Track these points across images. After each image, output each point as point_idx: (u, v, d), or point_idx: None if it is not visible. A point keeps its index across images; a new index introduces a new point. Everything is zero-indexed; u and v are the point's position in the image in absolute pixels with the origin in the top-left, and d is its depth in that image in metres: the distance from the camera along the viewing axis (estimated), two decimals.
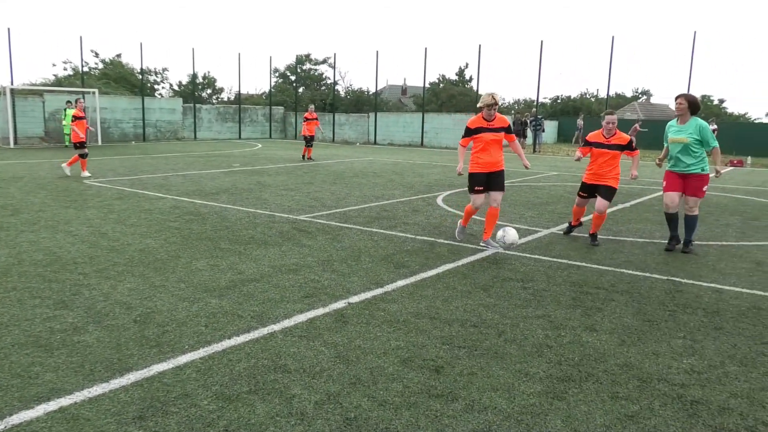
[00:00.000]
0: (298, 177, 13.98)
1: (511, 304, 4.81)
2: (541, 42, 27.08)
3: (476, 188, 6.70)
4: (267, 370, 3.51)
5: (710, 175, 6.76)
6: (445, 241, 7.08)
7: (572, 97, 54.77)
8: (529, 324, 4.37)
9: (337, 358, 3.69)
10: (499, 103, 6.56)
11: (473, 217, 7.53)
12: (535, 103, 34.21)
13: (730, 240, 7.60)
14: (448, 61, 75.57)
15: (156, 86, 41.82)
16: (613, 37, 25.25)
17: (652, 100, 58.76)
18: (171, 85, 43.27)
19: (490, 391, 3.30)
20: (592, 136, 7.16)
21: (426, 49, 29.98)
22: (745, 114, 50.16)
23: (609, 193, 7.04)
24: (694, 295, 5.17)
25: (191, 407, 3.04)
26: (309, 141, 19.58)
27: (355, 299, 4.83)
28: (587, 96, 57.64)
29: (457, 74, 49.19)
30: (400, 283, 5.34)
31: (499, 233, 6.56)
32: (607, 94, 30.04)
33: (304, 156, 19.73)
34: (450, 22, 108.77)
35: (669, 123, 6.99)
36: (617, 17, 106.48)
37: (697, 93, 49.98)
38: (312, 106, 20.59)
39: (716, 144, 6.69)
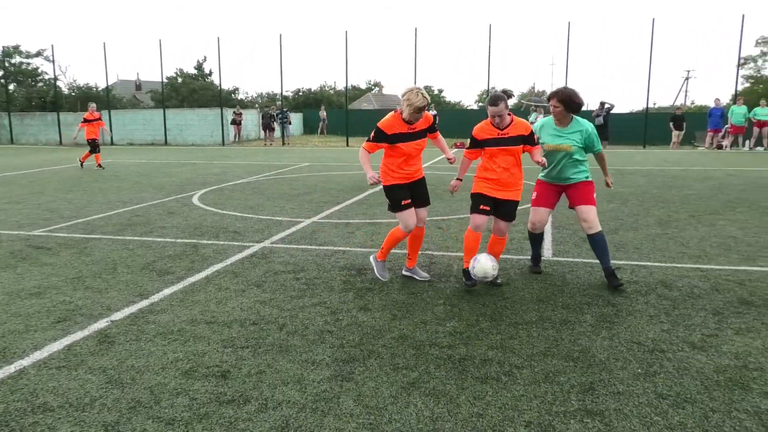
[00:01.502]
0: (23, 187, 12.15)
1: (287, 297, 4.83)
2: (280, 35, 27.44)
3: (404, 202, 5.06)
4: (23, 413, 3.01)
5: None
6: (209, 242, 6.82)
7: (313, 90, 56.64)
8: (307, 313, 4.45)
9: (109, 383, 3.33)
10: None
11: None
12: (278, 97, 34.61)
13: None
14: (185, 54, 72.32)
15: None
16: (346, 32, 26.70)
17: (384, 91, 63.60)
18: None
19: (281, 385, 3.29)
20: (478, 132, 5.03)
21: (160, 41, 28.29)
22: (459, 102, 57.25)
23: (513, 210, 5.15)
24: (446, 265, 5.77)
25: None
26: (94, 146, 16.18)
27: (118, 316, 4.40)
28: (326, 88, 60.10)
29: (196, 68, 47.34)
30: (168, 291, 5.00)
31: (472, 263, 4.90)
32: (346, 87, 31.72)
33: (83, 163, 16.42)
34: (185, 14, 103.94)
35: (542, 121, 5.33)
36: (348, 14, 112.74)
37: (420, 83, 55.61)
38: (93, 105, 16.82)
39: (601, 148, 5.30)
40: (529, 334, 4.02)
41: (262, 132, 30.50)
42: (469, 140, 5.14)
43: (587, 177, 5.26)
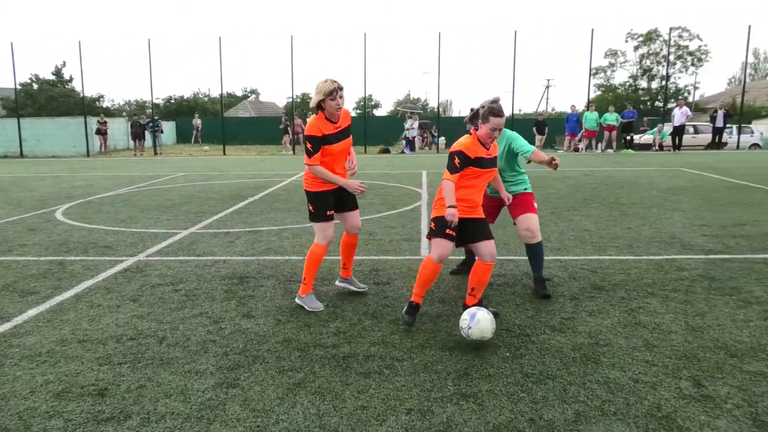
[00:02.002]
0: None
1: (165, 309, 4.71)
2: (149, 40, 26.28)
3: (329, 213, 4.71)
4: None
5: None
6: (78, 258, 6.44)
7: (186, 97, 54.66)
8: (188, 324, 4.37)
9: None
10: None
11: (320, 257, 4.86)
12: (148, 104, 33.07)
13: None
14: (42, 58, 66.98)
15: None
16: (220, 38, 26.10)
17: (261, 98, 62.75)
18: None
19: (164, 398, 3.23)
20: (470, 148, 4.18)
21: (12, 44, 26.05)
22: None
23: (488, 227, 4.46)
24: (328, 268, 5.88)
25: None
26: None
27: None
28: (200, 95, 58.23)
29: (54, 74, 44.01)
30: (32, 312, 4.69)
31: (465, 322, 3.88)
32: (221, 94, 30.94)
33: None
34: (41, 15, 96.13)
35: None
36: (222, 20, 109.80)
37: (298, 91, 55.39)
38: None
39: (532, 147, 4.95)
40: (409, 328, 4.22)
41: (132, 142, 28.97)
42: (453, 159, 4.15)
43: (526, 189, 5.16)
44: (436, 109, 39.77)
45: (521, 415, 3.00)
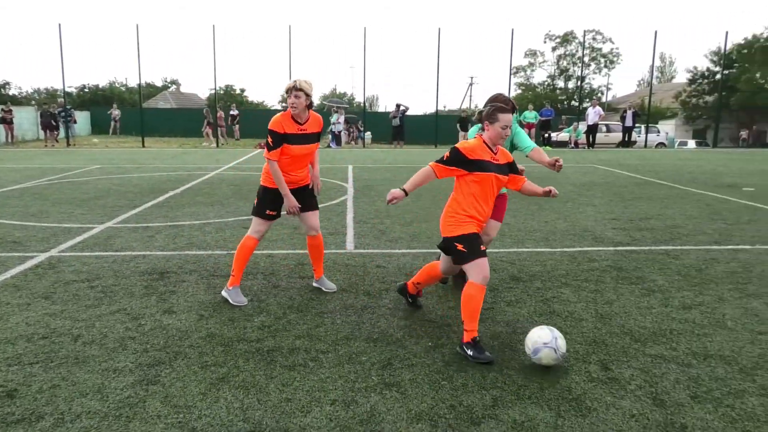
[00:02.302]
0: None
1: (81, 307, 4.53)
2: (59, 25, 24.88)
3: (269, 212, 4.67)
4: None
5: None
6: None
7: (101, 86, 52.28)
8: (105, 322, 4.22)
9: None
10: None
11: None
12: (60, 93, 31.37)
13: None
14: None
15: None
16: (137, 25, 25.06)
17: (183, 89, 60.80)
18: None
19: (80, 397, 3.12)
20: (470, 149, 3.85)
21: None
22: (263, 102, 56.83)
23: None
24: (253, 263, 5.82)
25: None
26: None
27: None
28: (117, 84, 55.82)
29: None
30: None
31: (554, 342, 3.49)
32: (139, 84, 29.77)
33: None
34: None
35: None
36: (139, 8, 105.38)
37: (221, 82, 54.01)
38: None
39: (533, 144, 4.87)
40: (334, 321, 4.27)
41: (42, 132, 27.38)
42: (447, 154, 3.85)
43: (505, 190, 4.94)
44: (362, 104, 39.89)
45: (442, 401, 3.11)
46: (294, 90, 4.37)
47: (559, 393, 3.22)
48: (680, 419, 2.96)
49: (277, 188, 4.57)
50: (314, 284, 5.08)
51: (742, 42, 43.16)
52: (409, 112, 26.42)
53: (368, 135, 29.14)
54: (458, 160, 3.83)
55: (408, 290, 4.52)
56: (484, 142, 3.92)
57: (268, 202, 4.64)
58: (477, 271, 3.72)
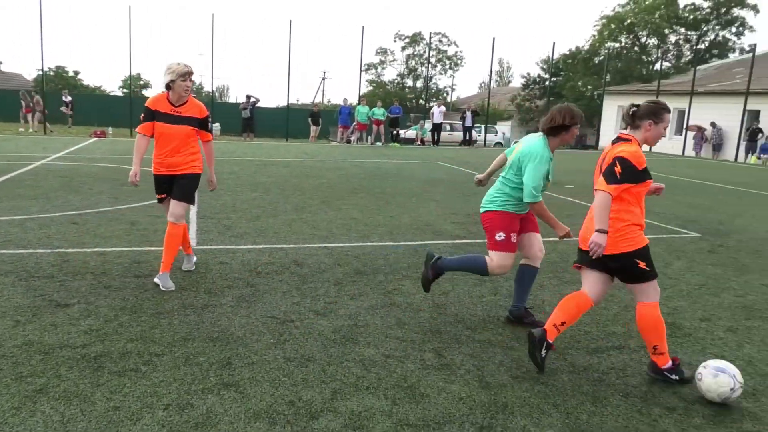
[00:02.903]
0: None
1: None
2: None
3: (158, 196, 4.96)
4: None
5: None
6: None
7: None
8: None
9: None
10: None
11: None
12: None
13: (106, 206, 8.11)
14: None
15: None
16: None
17: (4, 68, 54.41)
18: None
19: None
20: (637, 157, 3.36)
21: None
22: (100, 86, 52.54)
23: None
24: (82, 261, 5.38)
25: None
26: None
27: None
28: None
29: None
30: None
31: (724, 380, 3.23)
32: None
33: None
34: None
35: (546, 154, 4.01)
36: None
37: (51, 63, 49.09)
38: None
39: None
40: (171, 321, 4.08)
41: None
42: (614, 165, 3.33)
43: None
44: (210, 93, 38.38)
45: (281, 398, 3.10)
46: (190, 75, 4.62)
47: (396, 382, 3.35)
48: (502, 398, 3.22)
49: (160, 174, 4.80)
50: (155, 280, 4.81)
51: (567, 53, 47.74)
52: (260, 105, 25.89)
53: (216, 126, 28.14)
54: (632, 175, 3.34)
55: (548, 338, 3.51)
56: (639, 146, 3.48)
57: (156, 187, 4.89)
58: (656, 289, 3.47)
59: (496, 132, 36.21)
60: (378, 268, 5.63)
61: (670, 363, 3.50)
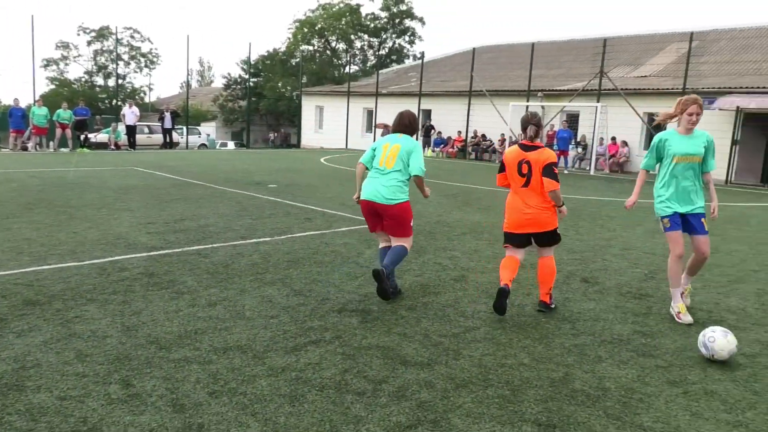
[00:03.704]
0: None
1: None
2: None
3: None
4: None
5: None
6: None
7: None
8: None
9: None
10: None
11: None
12: None
13: None
14: None
15: None
16: None
17: None
18: None
19: None
20: None
21: None
22: None
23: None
24: None
25: None
26: None
27: None
28: None
29: None
30: None
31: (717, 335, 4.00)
32: None
33: None
34: None
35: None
36: None
37: None
38: None
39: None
40: None
41: None
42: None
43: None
44: None
45: None
46: None
47: (72, 428, 2.92)
48: (197, 419, 3.05)
49: None
50: None
51: (266, 54, 48.74)
52: None
53: None
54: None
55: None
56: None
57: None
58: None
59: (200, 133, 35.14)
60: (55, 295, 4.91)
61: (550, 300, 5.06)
